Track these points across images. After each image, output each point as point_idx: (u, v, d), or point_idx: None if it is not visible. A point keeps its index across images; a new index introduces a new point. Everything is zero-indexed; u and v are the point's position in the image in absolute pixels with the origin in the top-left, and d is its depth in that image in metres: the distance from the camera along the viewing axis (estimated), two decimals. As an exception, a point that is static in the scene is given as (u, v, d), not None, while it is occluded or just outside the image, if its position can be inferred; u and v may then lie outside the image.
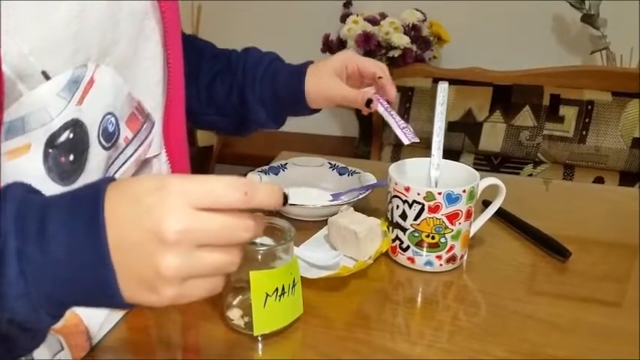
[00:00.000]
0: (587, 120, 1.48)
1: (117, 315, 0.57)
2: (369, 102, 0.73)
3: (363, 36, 1.67)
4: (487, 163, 1.58)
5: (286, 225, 0.56)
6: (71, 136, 0.48)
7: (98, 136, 0.51)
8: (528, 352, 0.53)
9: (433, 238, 0.64)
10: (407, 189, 0.63)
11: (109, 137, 0.53)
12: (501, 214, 0.77)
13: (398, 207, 0.65)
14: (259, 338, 0.54)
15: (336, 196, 0.82)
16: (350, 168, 0.88)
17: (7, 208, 0.36)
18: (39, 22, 0.43)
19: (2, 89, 0.41)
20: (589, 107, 1.47)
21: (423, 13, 1.73)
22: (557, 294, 0.63)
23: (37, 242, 0.35)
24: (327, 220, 0.70)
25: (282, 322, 0.54)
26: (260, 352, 0.54)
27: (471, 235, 0.68)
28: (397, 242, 0.67)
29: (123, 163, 0.56)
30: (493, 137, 1.54)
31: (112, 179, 0.38)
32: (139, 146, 0.58)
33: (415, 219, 0.64)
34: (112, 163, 0.55)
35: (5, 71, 0.42)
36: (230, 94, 0.78)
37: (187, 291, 0.37)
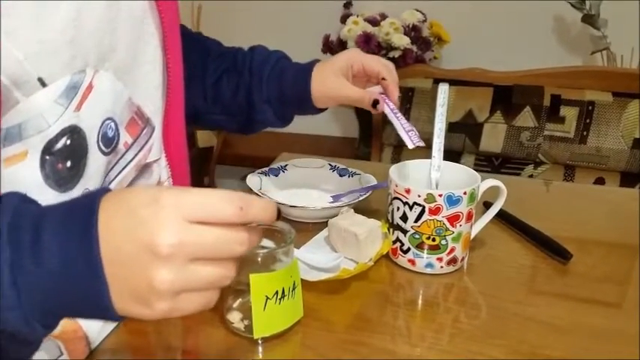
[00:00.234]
0: (587, 120, 1.47)
1: (116, 320, 0.57)
2: (375, 103, 0.73)
3: (363, 37, 1.67)
4: (488, 163, 1.58)
5: (286, 227, 0.56)
6: (68, 142, 0.47)
7: (97, 141, 0.51)
8: (529, 354, 0.53)
9: (434, 240, 0.64)
10: (407, 191, 0.63)
11: (109, 143, 0.52)
12: (502, 216, 0.76)
13: (398, 209, 0.65)
14: (259, 341, 0.54)
15: (336, 198, 0.82)
16: (350, 169, 0.88)
17: (2, 219, 0.36)
18: (35, 27, 0.43)
19: None
20: (590, 108, 1.47)
21: (423, 14, 1.73)
22: (558, 296, 0.63)
23: (31, 253, 0.35)
24: (327, 221, 0.70)
25: (282, 326, 0.54)
26: (260, 355, 0.54)
27: (472, 237, 0.68)
28: (398, 244, 0.66)
29: (123, 169, 0.56)
30: (494, 138, 1.53)
31: (107, 190, 0.38)
32: (139, 151, 0.58)
33: (416, 221, 0.64)
34: (112, 168, 0.55)
35: (1, 79, 0.41)
36: (236, 94, 0.78)
37: (180, 305, 0.37)
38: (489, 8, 1.82)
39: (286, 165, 0.90)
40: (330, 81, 0.74)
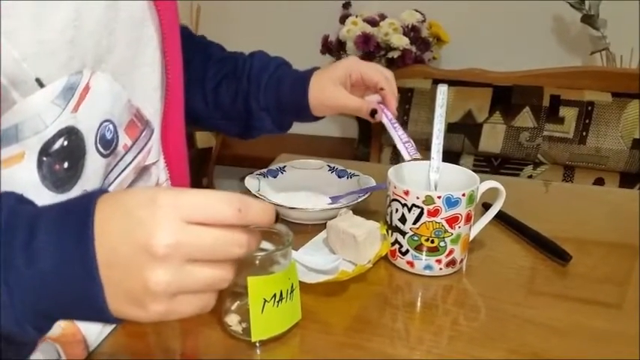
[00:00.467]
0: (587, 121, 1.47)
1: (115, 323, 0.56)
2: (373, 112, 0.73)
3: (362, 37, 1.67)
4: (487, 164, 1.58)
5: (284, 229, 0.56)
6: (66, 143, 0.47)
7: (95, 143, 0.50)
8: (528, 356, 0.53)
9: (432, 241, 0.64)
10: (406, 192, 0.63)
11: (107, 144, 0.52)
12: (501, 217, 0.76)
13: (397, 210, 0.65)
14: (257, 344, 0.54)
15: (335, 199, 0.82)
16: (349, 171, 0.88)
17: None
18: (35, 27, 0.42)
19: None
20: (589, 108, 1.47)
21: (422, 14, 1.73)
22: (557, 297, 0.63)
23: (24, 252, 0.35)
24: (326, 223, 0.70)
25: (280, 328, 0.54)
26: (258, 358, 0.53)
27: (471, 238, 0.68)
28: (396, 246, 0.66)
29: (122, 171, 0.56)
30: (493, 138, 1.53)
31: (103, 191, 0.38)
32: (138, 153, 0.57)
33: (414, 223, 0.63)
34: (111, 170, 0.54)
35: (0, 79, 0.41)
36: (235, 100, 0.78)
37: (177, 307, 0.36)
38: (488, 8, 1.82)
39: (284, 166, 0.89)
40: (329, 90, 0.73)
